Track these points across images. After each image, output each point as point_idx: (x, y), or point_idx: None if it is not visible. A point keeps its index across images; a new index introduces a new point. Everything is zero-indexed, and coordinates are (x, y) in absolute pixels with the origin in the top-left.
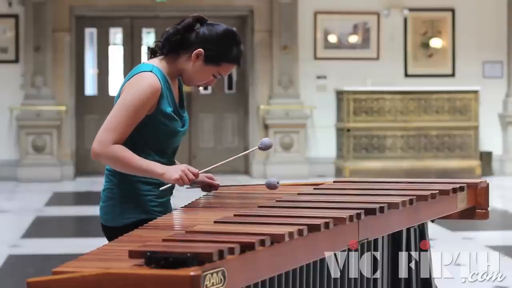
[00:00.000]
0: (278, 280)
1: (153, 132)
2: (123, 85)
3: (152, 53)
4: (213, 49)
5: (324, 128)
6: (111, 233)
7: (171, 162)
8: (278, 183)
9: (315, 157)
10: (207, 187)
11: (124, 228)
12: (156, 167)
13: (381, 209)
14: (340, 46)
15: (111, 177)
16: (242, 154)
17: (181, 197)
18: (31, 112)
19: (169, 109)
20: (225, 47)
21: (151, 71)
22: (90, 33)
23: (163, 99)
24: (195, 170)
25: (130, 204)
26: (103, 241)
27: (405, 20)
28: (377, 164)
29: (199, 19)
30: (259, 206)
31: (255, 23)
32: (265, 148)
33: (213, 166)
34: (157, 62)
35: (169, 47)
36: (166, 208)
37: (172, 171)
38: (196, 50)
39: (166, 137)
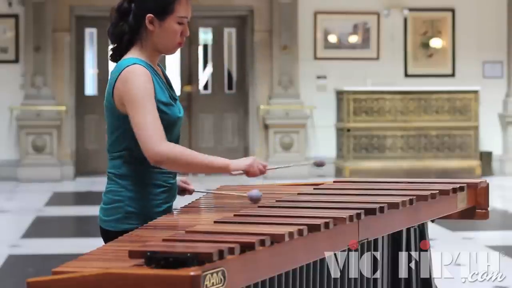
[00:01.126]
0: (278, 280)
1: None
2: (111, 86)
3: (115, 56)
4: (156, 3)
5: (324, 128)
6: (110, 237)
7: None
8: (261, 196)
9: (315, 157)
10: (181, 191)
11: (123, 233)
12: (219, 160)
13: (381, 209)
14: (340, 46)
15: (117, 179)
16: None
17: (181, 197)
18: (31, 112)
19: (165, 96)
20: None
21: (135, 63)
22: (90, 33)
23: (156, 87)
24: (264, 163)
25: (136, 209)
26: (103, 241)
27: (405, 20)
28: (377, 164)
29: (121, 2)
30: (259, 206)
31: (255, 23)
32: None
33: (280, 166)
34: (133, 54)
35: (126, 38)
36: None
37: (241, 160)
38: (146, 18)
39: (169, 126)
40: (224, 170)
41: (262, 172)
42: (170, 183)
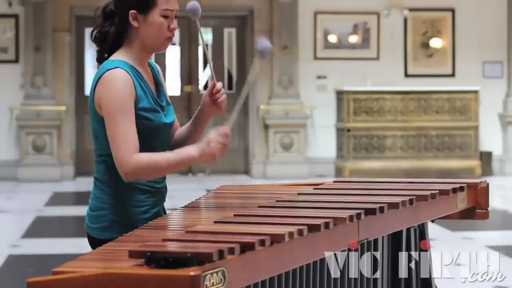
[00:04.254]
0: (278, 280)
1: (140, 131)
2: (92, 89)
3: (101, 59)
4: None
5: (324, 128)
6: (95, 244)
7: None
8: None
9: (315, 157)
10: (213, 99)
11: (108, 241)
12: (189, 154)
13: (381, 209)
14: (340, 46)
15: (100, 185)
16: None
17: (181, 197)
18: (31, 112)
19: (147, 102)
20: None
21: (117, 67)
22: (90, 33)
23: (139, 92)
24: (224, 129)
25: (121, 217)
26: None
27: (405, 20)
28: (377, 164)
29: (105, 4)
30: (259, 206)
31: (255, 23)
32: (263, 49)
33: (234, 114)
34: (118, 55)
35: (111, 39)
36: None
37: (207, 149)
38: (130, 15)
39: (153, 133)
40: (194, 161)
41: (223, 145)
42: (156, 187)
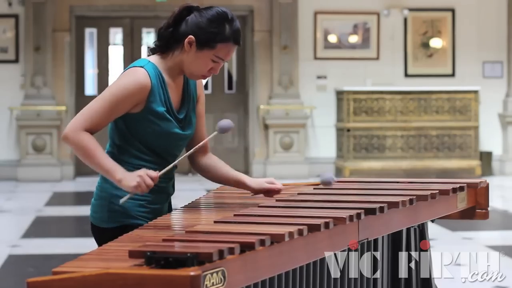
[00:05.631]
0: (278, 280)
1: (145, 131)
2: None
3: (152, 52)
4: (204, 33)
5: (324, 128)
6: (99, 233)
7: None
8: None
9: (315, 157)
10: (266, 192)
11: (111, 230)
12: (116, 171)
13: (381, 209)
14: (340, 46)
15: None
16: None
17: (181, 197)
18: (31, 112)
19: (160, 109)
20: (216, 27)
21: (143, 67)
22: (90, 33)
23: (154, 97)
24: (153, 174)
25: (118, 207)
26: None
27: (405, 20)
28: (377, 164)
29: (188, 8)
30: (259, 206)
31: (255, 23)
32: (222, 131)
33: (170, 166)
34: (154, 58)
35: (163, 42)
36: (158, 215)
37: (129, 178)
38: (187, 38)
39: (159, 138)
40: (113, 180)
41: (150, 185)
42: (159, 186)
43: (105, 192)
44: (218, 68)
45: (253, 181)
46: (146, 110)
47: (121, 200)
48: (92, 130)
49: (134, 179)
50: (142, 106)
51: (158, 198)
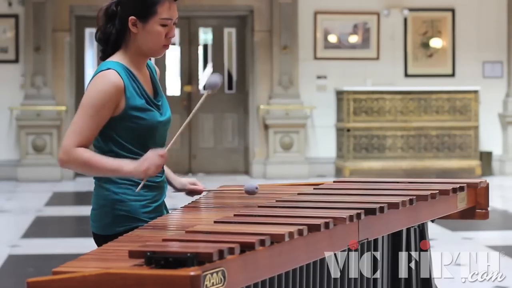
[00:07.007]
0: (278, 280)
1: (133, 130)
2: (86, 88)
3: (104, 59)
4: (138, 5)
5: (324, 128)
6: (102, 241)
7: None
8: (257, 188)
9: (315, 157)
10: (190, 193)
11: (115, 236)
12: (123, 166)
13: (381, 209)
14: (340, 46)
15: (101, 183)
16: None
17: (181, 197)
18: (31, 112)
19: (139, 102)
20: None
21: (109, 68)
22: (90, 33)
23: (130, 92)
24: (161, 151)
25: (122, 211)
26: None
27: (405, 20)
28: (377, 164)
29: (110, 4)
30: (259, 206)
31: (255, 23)
32: (210, 87)
33: (175, 136)
34: (115, 57)
35: (109, 43)
36: (160, 213)
37: (138, 166)
38: (129, 21)
39: (148, 131)
40: (126, 174)
41: (160, 164)
42: (156, 181)
43: (106, 200)
44: (172, 30)
45: (177, 181)
46: (127, 107)
47: (137, 189)
48: (83, 144)
49: (142, 164)
50: (123, 106)
51: (157, 195)
